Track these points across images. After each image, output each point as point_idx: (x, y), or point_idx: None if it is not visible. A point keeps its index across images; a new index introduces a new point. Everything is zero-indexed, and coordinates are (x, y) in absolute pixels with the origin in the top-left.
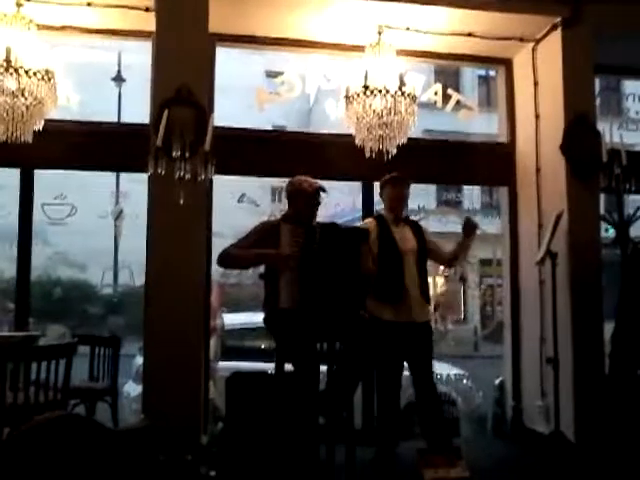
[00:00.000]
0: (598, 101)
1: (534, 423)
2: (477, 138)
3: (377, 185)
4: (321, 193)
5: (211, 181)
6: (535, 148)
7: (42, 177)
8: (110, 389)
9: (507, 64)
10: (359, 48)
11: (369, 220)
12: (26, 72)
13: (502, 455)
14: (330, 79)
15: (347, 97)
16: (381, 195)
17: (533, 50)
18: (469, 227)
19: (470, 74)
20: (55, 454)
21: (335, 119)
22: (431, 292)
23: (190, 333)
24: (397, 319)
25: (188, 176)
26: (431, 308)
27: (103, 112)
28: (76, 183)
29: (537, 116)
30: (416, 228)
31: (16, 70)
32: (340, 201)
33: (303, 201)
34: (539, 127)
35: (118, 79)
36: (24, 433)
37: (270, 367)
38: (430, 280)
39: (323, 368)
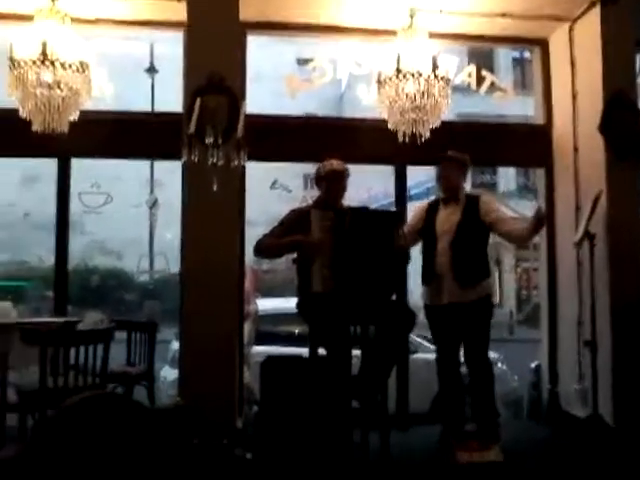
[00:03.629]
0: (639, 79)
1: (571, 407)
2: (511, 120)
3: (409, 169)
4: (345, 174)
5: (244, 167)
6: (572, 129)
7: (78, 166)
8: (147, 373)
9: (543, 44)
10: (391, 32)
11: (422, 204)
12: (61, 65)
13: (538, 438)
14: (362, 64)
15: (379, 81)
16: None
17: (570, 29)
18: (537, 219)
19: (504, 56)
20: (93, 431)
21: (367, 104)
22: None
23: (225, 318)
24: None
25: (221, 162)
26: (482, 287)
27: (137, 102)
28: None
29: (574, 96)
30: (471, 205)
31: (52, 63)
32: (373, 186)
33: (324, 184)
34: (576, 107)
35: (151, 70)
36: (65, 410)
37: (304, 352)
38: None
39: (357, 352)
